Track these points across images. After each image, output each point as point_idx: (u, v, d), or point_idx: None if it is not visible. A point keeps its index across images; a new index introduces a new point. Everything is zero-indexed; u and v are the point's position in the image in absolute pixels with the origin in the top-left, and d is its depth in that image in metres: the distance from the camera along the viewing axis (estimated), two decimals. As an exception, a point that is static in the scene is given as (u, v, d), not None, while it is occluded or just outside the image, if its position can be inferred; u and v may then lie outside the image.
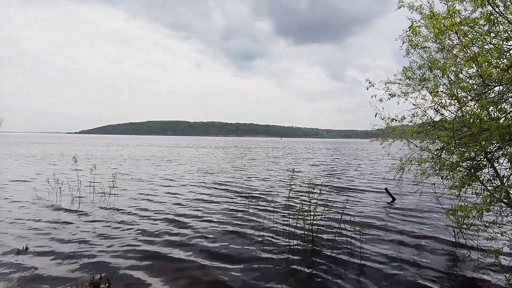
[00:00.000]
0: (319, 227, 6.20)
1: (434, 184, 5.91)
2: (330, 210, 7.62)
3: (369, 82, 5.44)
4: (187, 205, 8.65)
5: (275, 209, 7.82)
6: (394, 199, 9.52)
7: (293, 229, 6.28)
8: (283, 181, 13.17)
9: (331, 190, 11.30)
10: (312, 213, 6.00)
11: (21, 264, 4.66)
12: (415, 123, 5.44)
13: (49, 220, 6.92)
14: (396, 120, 5.51)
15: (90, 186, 10.47)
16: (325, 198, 9.31)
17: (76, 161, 10.37)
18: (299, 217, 6.08)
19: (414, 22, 4.44)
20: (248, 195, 10.12)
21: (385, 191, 10.07)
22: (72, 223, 6.73)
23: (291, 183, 7.43)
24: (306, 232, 6.00)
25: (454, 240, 5.75)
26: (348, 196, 10.14)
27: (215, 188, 11.47)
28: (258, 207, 8.35)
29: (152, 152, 35.19)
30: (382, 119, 5.84)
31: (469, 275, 4.49)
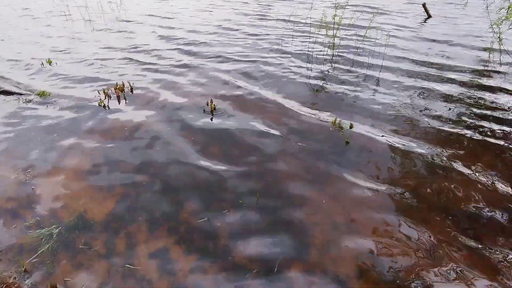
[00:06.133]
0: (341, 40, 5.76)
1: None
2: (356, 25, 6.83)
3: None
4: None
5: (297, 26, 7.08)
6: (429, 16, 8.36)
7: (313, 43, 5.87)
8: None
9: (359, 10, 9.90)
10: (335, 26, 5.43)
11: (48, 75, 4.83)
12: None
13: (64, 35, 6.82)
14: None
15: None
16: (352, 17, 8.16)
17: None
18: (321, 27, 5.58)
19: None
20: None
21: (422, 6, 8.66)
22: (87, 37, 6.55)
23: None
24: (327, 48, 5.68)
25: (488, 58, 5.40)
26: (379, 15, 8.90)
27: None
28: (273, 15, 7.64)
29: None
30: None
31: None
